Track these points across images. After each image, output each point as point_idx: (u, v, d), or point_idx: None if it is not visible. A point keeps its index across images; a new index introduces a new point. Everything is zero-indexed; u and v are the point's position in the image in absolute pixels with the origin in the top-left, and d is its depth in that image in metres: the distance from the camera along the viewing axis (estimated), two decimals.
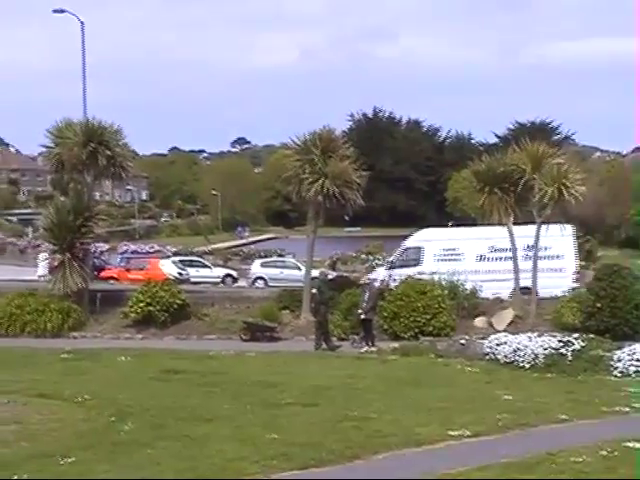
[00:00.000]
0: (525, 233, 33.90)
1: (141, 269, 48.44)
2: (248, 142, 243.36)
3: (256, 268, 53.00)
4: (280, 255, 59.63)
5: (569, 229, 37.05)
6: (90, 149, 34.37)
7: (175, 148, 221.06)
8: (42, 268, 48.86)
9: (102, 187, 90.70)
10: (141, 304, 33.22)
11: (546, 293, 32.91)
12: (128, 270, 49.11)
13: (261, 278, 51.27)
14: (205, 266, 54.70)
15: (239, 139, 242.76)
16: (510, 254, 33.80)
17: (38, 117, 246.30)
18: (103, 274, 48.38)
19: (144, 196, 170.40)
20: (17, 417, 17.32)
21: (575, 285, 34.85)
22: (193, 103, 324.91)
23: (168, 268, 48.70)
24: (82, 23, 42.96)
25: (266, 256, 59.19)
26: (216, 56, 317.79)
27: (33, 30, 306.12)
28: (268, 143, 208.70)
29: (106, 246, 63.63)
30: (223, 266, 58.39)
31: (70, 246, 34.36)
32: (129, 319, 33.58)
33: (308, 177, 33.36)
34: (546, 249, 35.15)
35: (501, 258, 37.03)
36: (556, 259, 37.16)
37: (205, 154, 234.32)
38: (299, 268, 46.98)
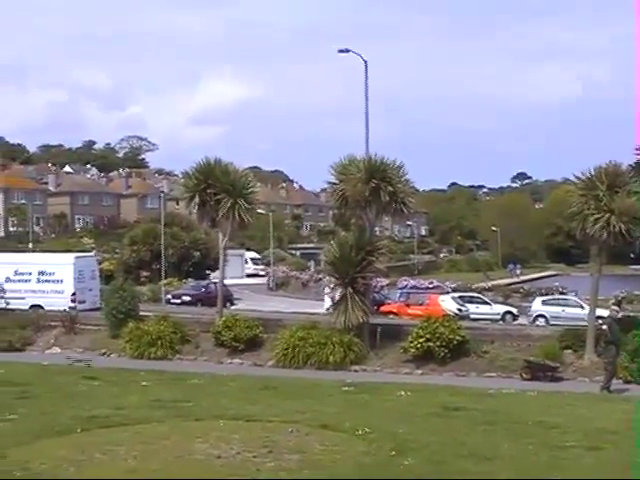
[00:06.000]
0: (40, 261, 46.62)
1: (420, 304, 48.68)
2: (529, 177, 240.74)
3: (537, 306, 51.94)
4: (562, 293, 58.17)
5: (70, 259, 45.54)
6: (373, 185, 34.91)
7: (454, 184, 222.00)
8: (329, 301, 50.16)
9: (382, 222, 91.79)
10: (421, 339, 33.38)
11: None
12: (408, 305, 49.38)
13: (542, 316, 50.17)
14: (485, 302, 54.15)
15: (519, 174, 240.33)
16: (30, 277, 44.15)
17: (320, 154, 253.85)
18: (383, 309, 48.85)
19: (423, 231, 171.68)
20: (300, 446, 17.72)
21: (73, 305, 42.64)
22: (473, 138, 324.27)
23: (448, 304, 48.62)
24: (365, 62, 43.78)
25: (547, 294, 57.88)
26: (495, 90, 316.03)
27: (320, 70, 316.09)
28: (549, 178, 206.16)
29: (386, 281, 64.36)
30: (503, 303, 57.62)
31: (352, 280, 35.00)
32: (409, 354, 33.79)
33: (593, 213, 32.50)
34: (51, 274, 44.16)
35: (22, 280, 44.45)
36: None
37: (485, 189, 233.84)
38: (582, 307, 45.69)
